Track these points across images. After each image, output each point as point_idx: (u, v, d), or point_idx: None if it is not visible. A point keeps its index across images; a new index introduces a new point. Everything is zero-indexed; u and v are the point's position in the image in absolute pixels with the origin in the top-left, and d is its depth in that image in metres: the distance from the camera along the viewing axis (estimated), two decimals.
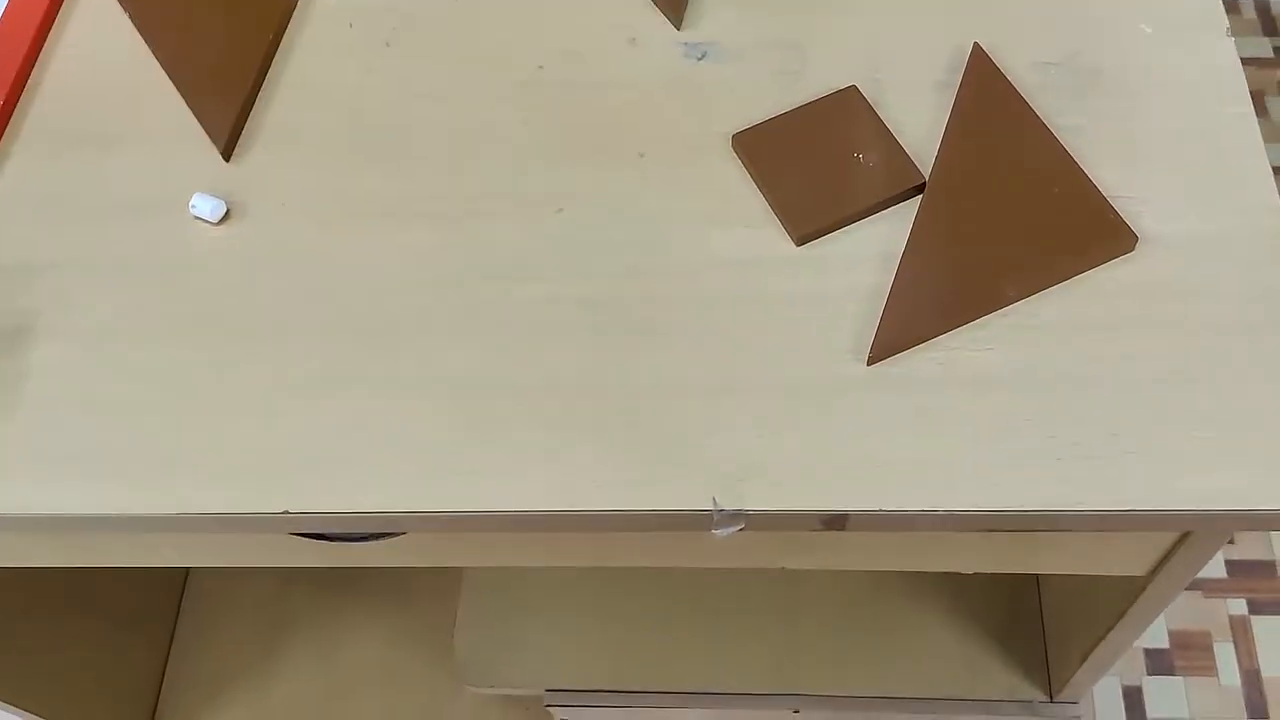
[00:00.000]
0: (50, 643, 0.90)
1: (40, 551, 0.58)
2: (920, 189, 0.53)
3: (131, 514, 0.48)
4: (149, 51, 0.59)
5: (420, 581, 1.04)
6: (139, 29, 0.59)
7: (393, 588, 1.05)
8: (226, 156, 0.56)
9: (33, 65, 0.59)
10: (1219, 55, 0.57)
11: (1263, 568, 1.22)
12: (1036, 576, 0.85)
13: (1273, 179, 0.53)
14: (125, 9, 0.60)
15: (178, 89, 0.57)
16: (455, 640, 0.87)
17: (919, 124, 0.55)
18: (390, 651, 1.03)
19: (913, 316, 0.49)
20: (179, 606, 1.05)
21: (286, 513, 0.48)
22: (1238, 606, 1.20)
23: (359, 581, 1.05)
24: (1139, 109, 0.55)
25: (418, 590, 1.04)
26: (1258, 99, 1.53)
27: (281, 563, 0.60)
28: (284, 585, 1.05)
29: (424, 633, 1.03)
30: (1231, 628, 1.19)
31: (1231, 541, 1.23)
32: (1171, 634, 1.19)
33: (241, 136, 0.57)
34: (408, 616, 1.04)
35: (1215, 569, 1.23)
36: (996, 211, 0.52)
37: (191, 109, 0.57)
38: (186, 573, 1.07)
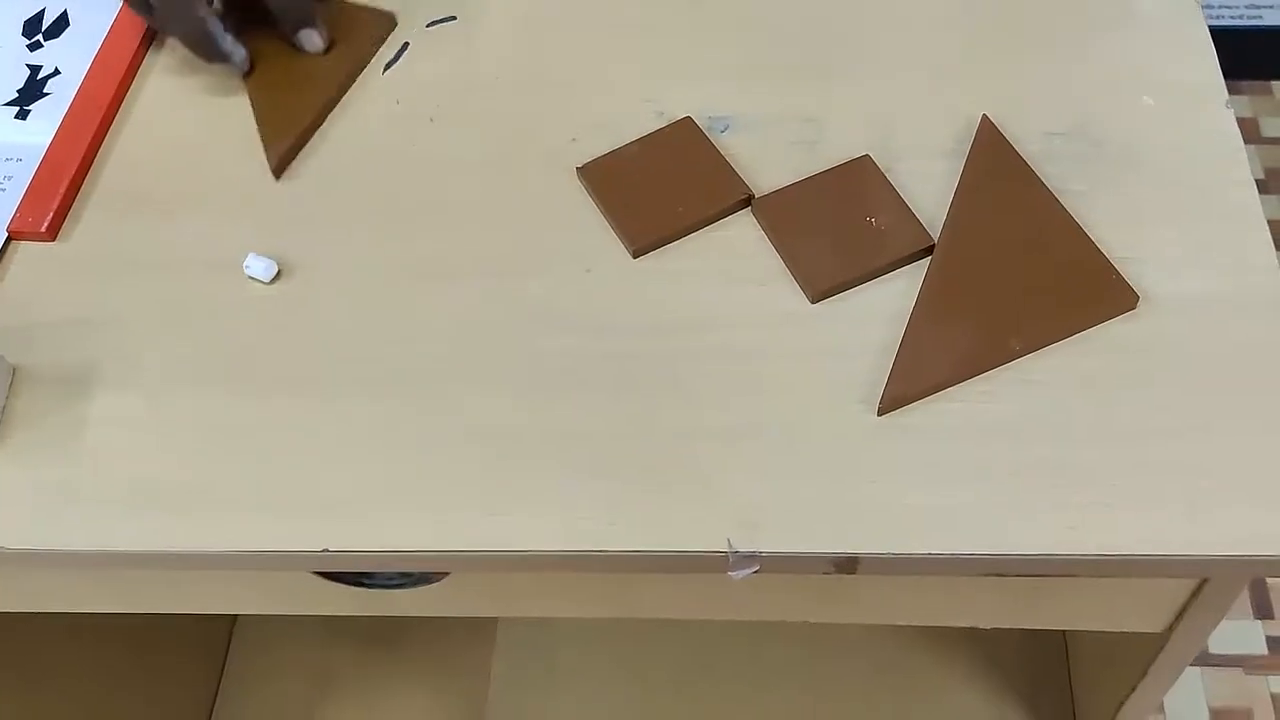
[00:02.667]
0: (95, 697, 0.92)
1: (89, 594, 0.61)
2: (930, 250, 0.56)
3: (179, 550, 0.51)
4: (209, 127, 0.64)
5: (459, 644, 1.06)
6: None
7: (432, 651, 1.07)
8: (277, 175, 0.62)
9: (105, 135, 0.64)
10: (1219, 125, 0.59)
11: None
12: (1063, 637, 0.85)
13: (1271, 242, 0.55)
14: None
15: (254, 111, 0.64)
16: (489, 706, 0.88)
17: (929, 190, 0.58)
18: (427, 716, 1.04)
19: (921, 370, 0.52)
20: (223, 665, 1.08)
21: (327, 550, 0.50)
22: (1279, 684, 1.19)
23: (399, 643, 1.07)
24: (1142, 176, 0.58)
25: (456, 653, 1.06)
26: None
27: (319, 609, 0.62)
28: (326, 646, 1.07)
29: (462, 696, 1.04)
30: (1274, 705, 1.17)
31: (1272, 617, 1.22)
32: (1214, 711, 1.18)
33: (294, 204, 0.61)
34: (446, 679, 1.05)
35: (1256, 645, 1.22)
36: (1002, 271, 0.54)
37: (260, 132, 0.63)
38: (231, 630, 1.10)
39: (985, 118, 0.60)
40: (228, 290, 0.58)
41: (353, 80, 0.66)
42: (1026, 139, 0.59)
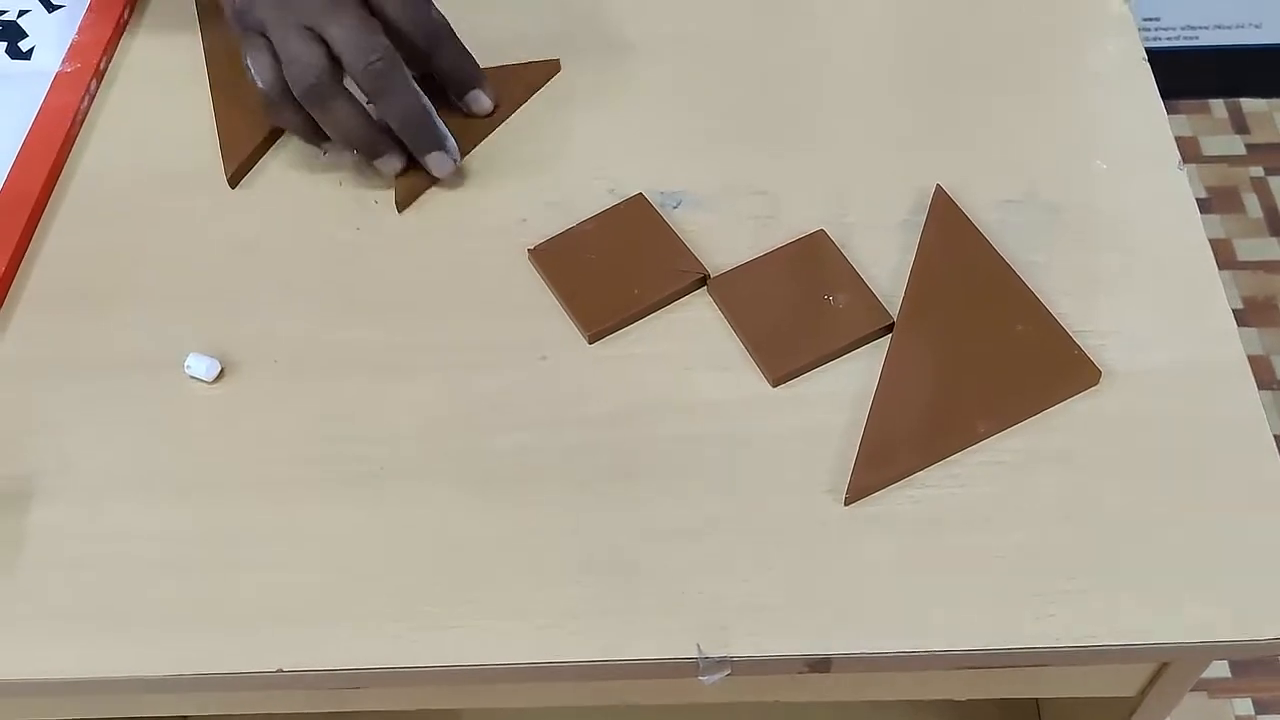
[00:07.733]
0: None
1: (40, 705, 0.59)
2: (889, 329, 0.55)
3: (126, 676, 0.49)
4: (142, 221, 0.62)
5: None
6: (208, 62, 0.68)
7: None
8: (233, 185, 0.63)
9: (34, 231, 0.62)
10: (1172, 187, 0.59)
11: (1267, 667, 1.22)
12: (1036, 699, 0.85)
13: (1228, 307, 0.55)
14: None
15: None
16: None
17: (886, 264, 0.57)
18: None
19: (886, 456, 0.51)
20: None
21: (281, 670, 0.48)
22: (1244, 707, 1.19)
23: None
24: (1098, 243, 0.58)
25: None
26: (1232, 194, 1.57)
27: (278, 709, 0.60)
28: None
29: None
30: None
31: None
32: None
33: (237, 295, 0.59)
34: None
35: (1220, 669, 1.22)
36: (963, 350, 0.53)
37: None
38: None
39: (939, 187, 0.59)
40: (168, 392, 0.56)
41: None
42: (981, 208, 0.59)
